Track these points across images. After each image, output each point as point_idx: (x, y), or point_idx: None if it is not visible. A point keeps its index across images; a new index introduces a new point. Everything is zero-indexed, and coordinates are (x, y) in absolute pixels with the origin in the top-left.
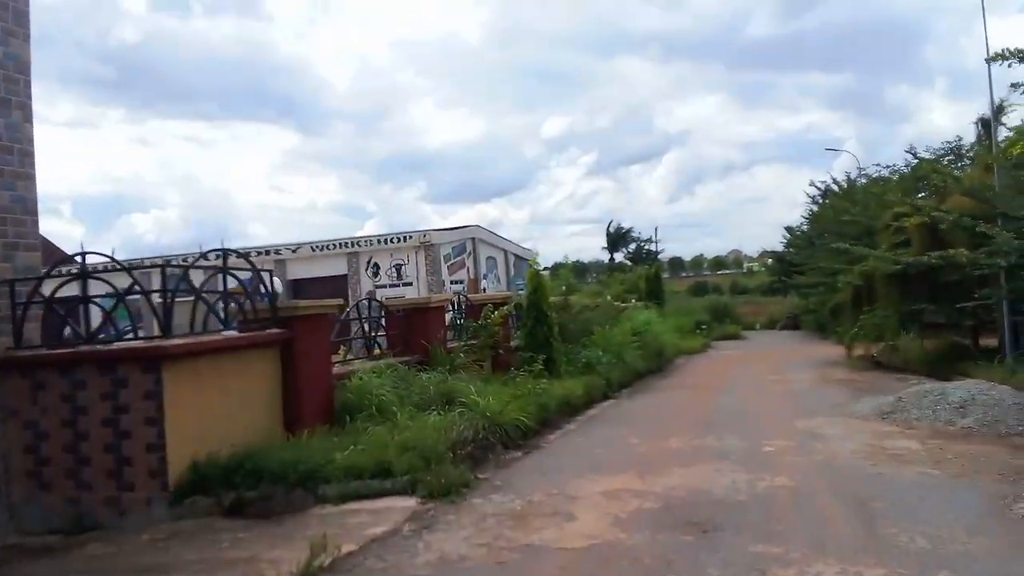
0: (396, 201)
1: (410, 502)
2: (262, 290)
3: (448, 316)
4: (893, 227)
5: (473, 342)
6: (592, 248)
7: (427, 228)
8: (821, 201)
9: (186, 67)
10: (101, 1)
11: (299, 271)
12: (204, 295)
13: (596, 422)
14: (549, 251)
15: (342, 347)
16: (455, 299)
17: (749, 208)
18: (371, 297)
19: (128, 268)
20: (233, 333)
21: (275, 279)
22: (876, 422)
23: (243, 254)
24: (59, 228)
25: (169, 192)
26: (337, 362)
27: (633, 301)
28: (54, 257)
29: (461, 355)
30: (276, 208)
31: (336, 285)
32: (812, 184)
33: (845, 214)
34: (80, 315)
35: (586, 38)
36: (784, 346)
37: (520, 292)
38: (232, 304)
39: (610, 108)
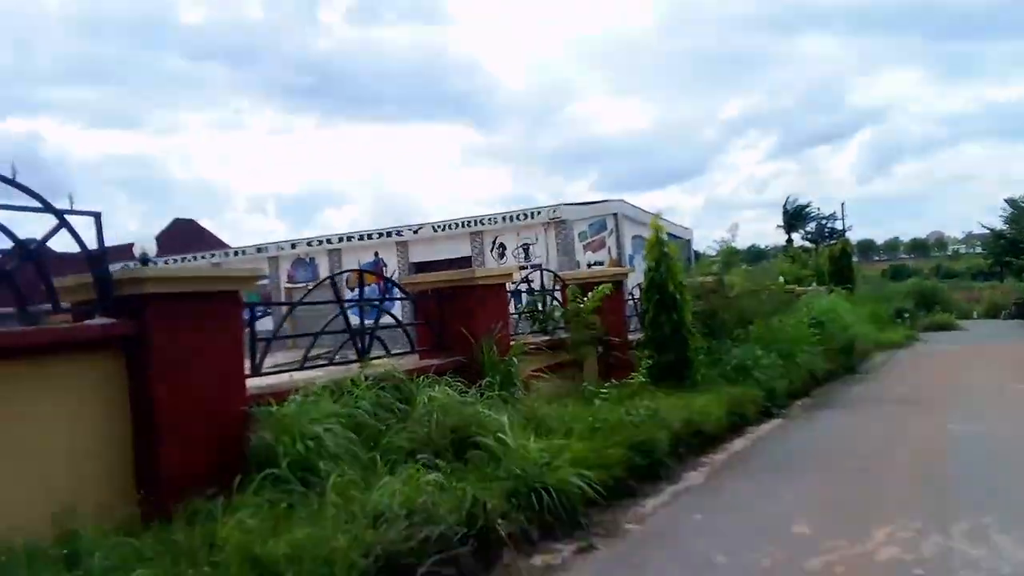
0: (567, 192)
1: None
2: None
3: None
4: None
5: (564, 336)
6: (771, 234)
7: (560, 203)
8: None
9: (373, 73)
10: (302, 15)
11: (421, 253)
12: None
13: (740, 470)
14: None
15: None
16: (533, 275)
17: (953, 187)
18: None
19: None
20: None
21: (143, 250)
22: None
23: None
24: (264, 225)
25: (358, 190)
26: (286, 369)
27: (813, 285)
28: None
29: (515, 360)
30: (452, 202)
31: (459, 268)
32: None
33: None
34: None
35: (764, 17)
36: (1018, 339)
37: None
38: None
39: (793, 88)
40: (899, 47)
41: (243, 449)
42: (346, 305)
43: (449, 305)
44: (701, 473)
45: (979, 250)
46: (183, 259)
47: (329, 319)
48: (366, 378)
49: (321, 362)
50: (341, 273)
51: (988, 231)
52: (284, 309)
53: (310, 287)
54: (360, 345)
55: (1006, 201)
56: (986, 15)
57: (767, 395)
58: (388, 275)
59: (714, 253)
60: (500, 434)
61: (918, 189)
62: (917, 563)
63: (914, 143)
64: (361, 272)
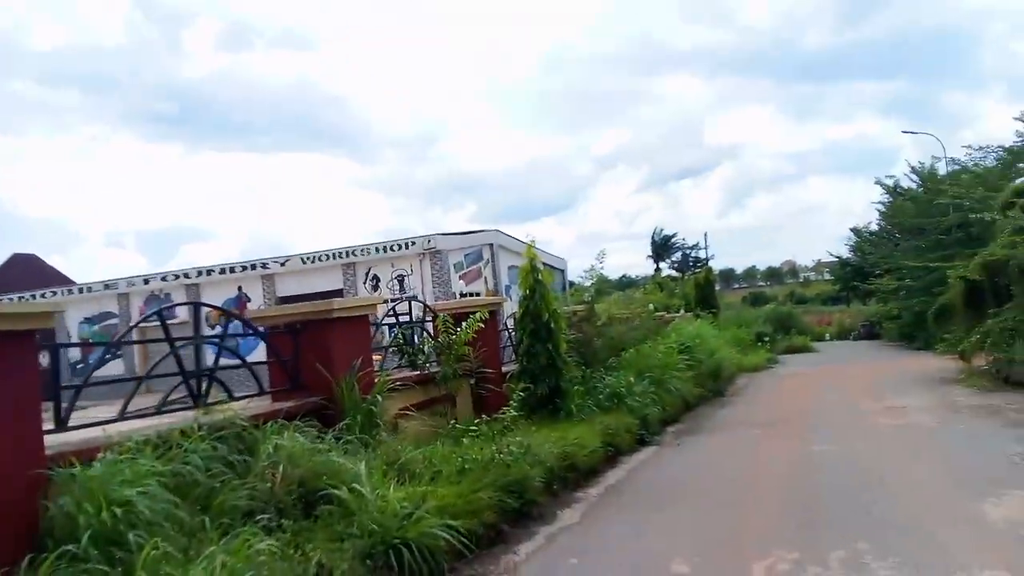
0: (444, 224)
1: None
2: None
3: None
4: (1020, 204)
5: (436, 370)
6: (641, 265)
7: (434, 232)
8: (894, 198)
9: (243, 101)
10: (166, 40)
11: (290, 287)
12: None
13: (615, 505)
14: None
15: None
16: (401, 306)
17: (802, 219)
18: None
19: None
20: None
21: None
22: None
23: None
24: (123, 259)
25: (227, 223)
26: (100, 422)
27: (681, 312)
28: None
29: (378, 398)
30: (328, 235)
31: None
32: (878, 183)
33: (937, 199)
34: None
35: (633, 58)
36: (868, 359)
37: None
38: None
39: (659, 125)
40: (751, 88)
41: (35, 521)
42: (180, 345)
43: (305, 341)
44: (576, 510)
45: (828, 276)
46: (19, 298)
47: (158, 360)
48: (200, 427)
49: (149, 411)
50: (171, 307)
51: (835, 259)
52: (127, 351)
53: (132, 325)
54: (196, 390)
55: (851, 230)
56: (828, 59)
57: (640, 422)
58: (253, 311)
59: (586, 283)
60: (356, 484)
61: (771, 220)
62: None
63: (765, 178)
64: (197, 306)
